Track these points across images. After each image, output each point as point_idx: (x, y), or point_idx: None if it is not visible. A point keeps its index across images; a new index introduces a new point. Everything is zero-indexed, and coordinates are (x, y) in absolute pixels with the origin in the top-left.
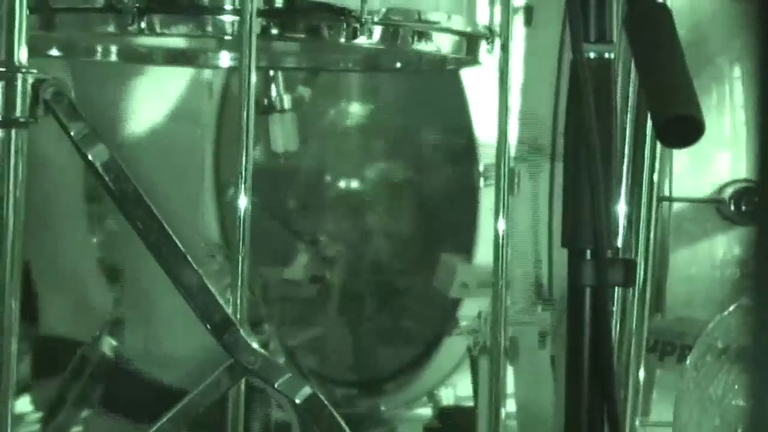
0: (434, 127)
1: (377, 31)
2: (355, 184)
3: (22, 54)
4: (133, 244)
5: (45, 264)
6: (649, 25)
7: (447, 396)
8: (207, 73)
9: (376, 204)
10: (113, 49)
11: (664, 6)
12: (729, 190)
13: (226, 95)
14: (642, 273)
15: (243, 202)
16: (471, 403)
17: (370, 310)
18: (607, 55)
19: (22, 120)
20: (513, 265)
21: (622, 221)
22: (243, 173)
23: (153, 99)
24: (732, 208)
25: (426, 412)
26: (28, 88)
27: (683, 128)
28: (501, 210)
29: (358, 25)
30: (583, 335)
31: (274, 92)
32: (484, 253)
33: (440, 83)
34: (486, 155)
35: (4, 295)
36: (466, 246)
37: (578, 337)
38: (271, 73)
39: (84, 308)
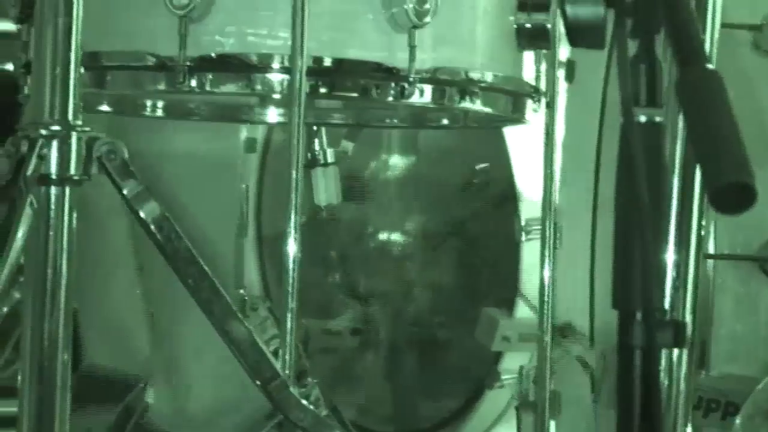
0: (477, 181)
1: (424, 89)
2: (396, 236)
3: (73, 112)
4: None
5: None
6: (702, 90)
7: None
8: (249, 128)
9: (417, 257)
10: (160, 104)
11: (715, 71)
12: None
13: (267, 149)
14: (689, 331)
15: (291, 253)
16: None
17: (411, 363)
18: (657, 119)
19: (75, 178)
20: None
21: (669, 280)
22: (291, 226)
23: (196, 152)
24: None
25: None
26: (83, 146)
27: (736, 195)
28: (547, 263)
29: (406, 84)
30: (633, 395)
31: (317, 146)
32: (525, 307)
33: (483, 137)
34: (528, 209)
35: (57, 348)
36: (507, 300)
37: (628, 397)
38: (315, 127)
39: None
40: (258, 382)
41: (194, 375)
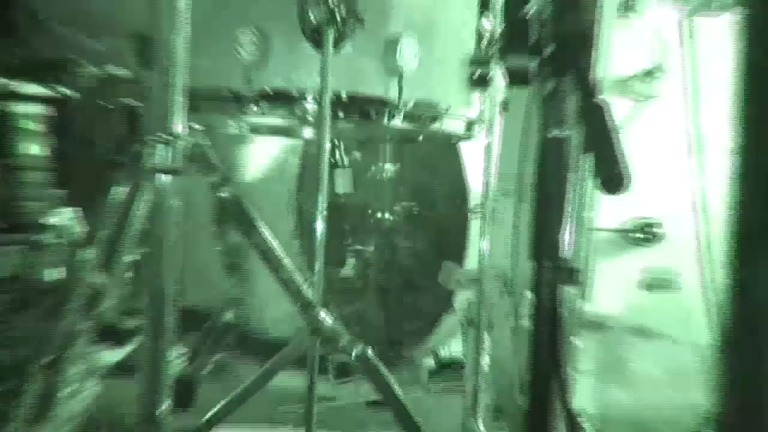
0: (442, 179)
1: (408, 115)
2: (387, 215)
3: (177, 126)
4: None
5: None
6: (598, 115)
7: (444, 352)
8: (293, 141)
9: (401, 229)
10: (236, 124)
11: (606, 101)
12: (633, 224)
13: (304, 156)
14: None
15: (320, 227)
16: (460, 357)
17: (396, 298)
18: (564, 134)
19: (177, 169)
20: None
21: (567, 242)
22: (320, 208)
23: (259, 158)
24: (635, 236)
25: (430, 362)
26: (182, 148)
27: (618, 183)
28: (484, 234)
29: (395, 112)
30: (542, 317)
31: (337, 154)
32: (472, 262)
33: (446, 150)
34: (474, 198)
35: (163, 300)
36: (460, 257)
37: (539, 318)
38: (336, 141)
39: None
40: (297, 305)
41: (261, 300)
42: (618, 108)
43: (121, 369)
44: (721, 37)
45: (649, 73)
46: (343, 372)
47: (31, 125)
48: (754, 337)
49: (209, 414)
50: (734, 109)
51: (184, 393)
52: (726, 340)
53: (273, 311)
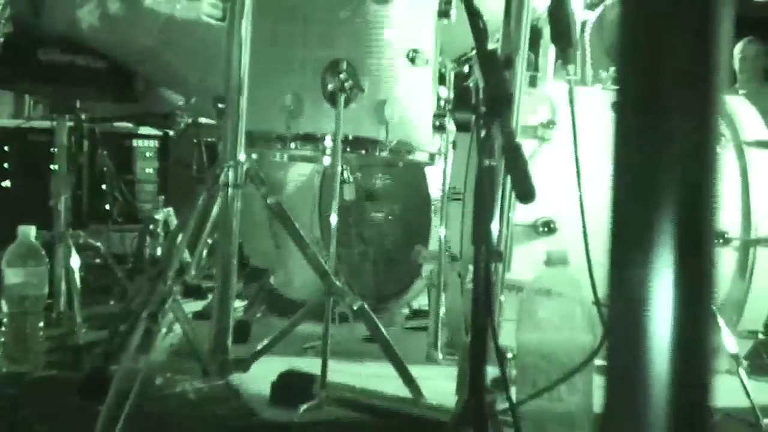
0: (414, 190)
1: (392, 148)
2: (379, 214)
3: (240, 155)
4: (284, 237)
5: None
6: (513, 151)
7: (415, 305)
8: (318, 165)
9: (389, 222)
10: (281, 155)
11: (518, 142)
12: (537, 221)
13: (324, 174)
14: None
15: (334, 220)
16: (426, 308)
17: (384, 268)
18: (493, 163)
19: (239, 184)
20: (446, 249)
21: (496, 233)
22: (334, 208)
23: (297, 175)
24: (539, 229)
25: (405, 311)
26: (243, 170)
27: (527, 195)
28: (442, 225)
29: (384, 147)
30: (479, 284)
31: (345, 174)
32: (434, 245)
33: (415, 171)
34: (435, 202)
35: (229, 269)
36: (425, 241)
37: (477, 282)
38: (344, 166)
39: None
40: (317, 274)
41: (293, 271)
42: (527, 147)
43: (200, 316)
44: (594, 102)
45: (546, 125)
46: (344, 319)
47: (147, 154)
48: (628, 307)
49: (258, 346)
50: (613, 140)
51: (242, 332)
52: (609, 311)
53: (300, 278)
